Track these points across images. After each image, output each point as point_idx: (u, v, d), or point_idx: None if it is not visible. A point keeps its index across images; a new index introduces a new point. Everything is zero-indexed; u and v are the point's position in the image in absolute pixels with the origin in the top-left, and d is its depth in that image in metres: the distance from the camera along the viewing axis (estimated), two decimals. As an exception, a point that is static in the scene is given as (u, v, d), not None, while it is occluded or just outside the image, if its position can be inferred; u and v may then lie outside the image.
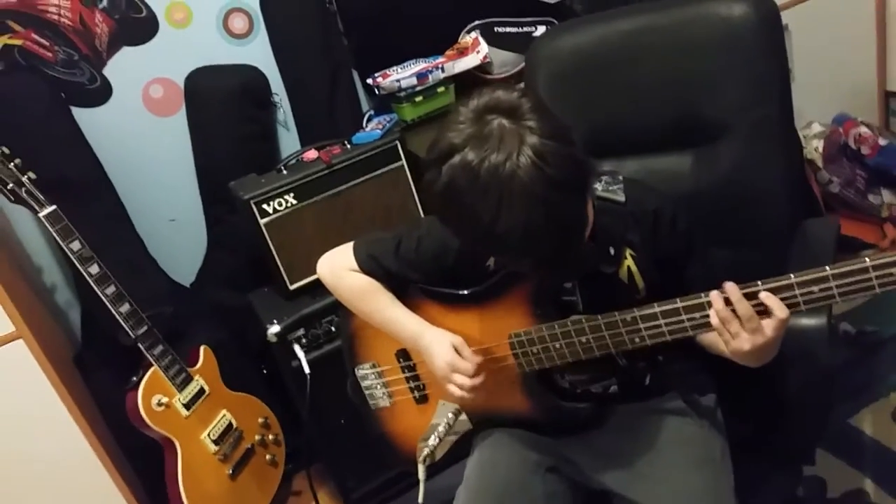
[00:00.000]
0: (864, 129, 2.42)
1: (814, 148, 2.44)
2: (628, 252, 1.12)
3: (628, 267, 1.12)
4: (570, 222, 0.93)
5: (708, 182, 1.34)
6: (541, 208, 0.87)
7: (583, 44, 1.44)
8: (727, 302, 0.95)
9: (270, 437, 2.05)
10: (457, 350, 1.16)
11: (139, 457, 2.06)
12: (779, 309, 0.93)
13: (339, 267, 1.27)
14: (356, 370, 1.39)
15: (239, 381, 2.03)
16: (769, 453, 1.27)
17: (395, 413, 1.38)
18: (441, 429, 1.26)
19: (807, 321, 1.13)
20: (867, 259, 0.88)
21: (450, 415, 1.27)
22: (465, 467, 1.27)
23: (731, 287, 0.95)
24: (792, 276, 0.93)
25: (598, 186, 1.12)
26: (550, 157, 0.88)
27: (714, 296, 0.96)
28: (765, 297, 0.93)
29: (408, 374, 1.32)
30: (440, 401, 1.29)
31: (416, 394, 1.33)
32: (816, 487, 1.69)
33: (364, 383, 1.39)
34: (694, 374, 1.25)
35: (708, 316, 0.98)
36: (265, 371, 2.16)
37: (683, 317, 1.00)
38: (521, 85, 0.94)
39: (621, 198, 1.11)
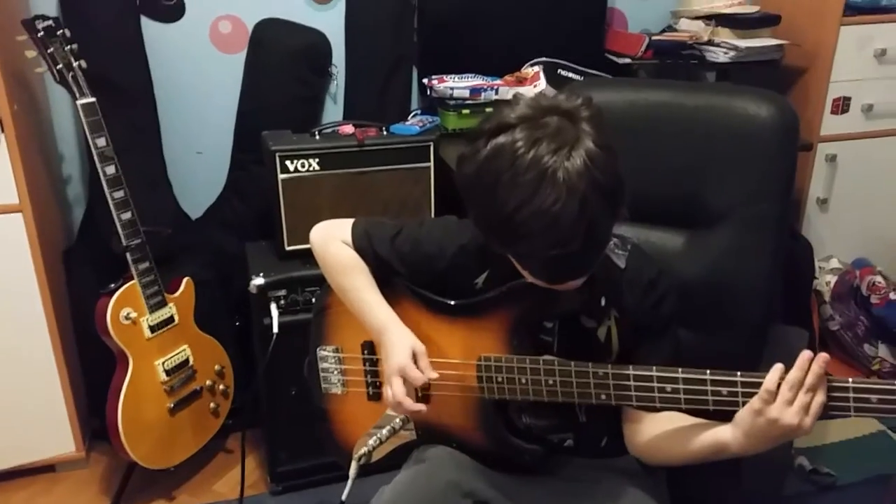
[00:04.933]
0: (879, 279, 2.43)
1: (825, 282, 2.45)
2: (613, 314, 1.13)
3: (609, 328, 1.13)
4: (597, 228, 0.94)
5: (695, 265, 1.36)
6: (577, 202, 0.89)
7: (610, 103, 1.46)
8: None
9: (221, 386, 2.05)
10: (415, 358, 1.14)
11: (92, 365, 2.08)
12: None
13: (332, 235, 1.27)
14: (318, 350, 1.38)
15: (210, 324, 2.04)
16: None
17: (344, 402, 1.37)
18: (385, 432, 1.25)
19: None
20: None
21: (398, 420, 1.26)
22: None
23: (823, 356, 0.92)
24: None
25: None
26: (600, 164, 0.91)
27: (804, 354, 0.93)
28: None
29: (368, 368, 1.31)
30: None
31: (371, 390, 1.32)
32: None
33: (322, 364, 1.38)
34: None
35: (678, 391, 0.99)
36: (238, 324, 2.17)
37: (655, 385, 1.01)
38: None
39: (622, 264, 1.13)
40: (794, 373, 0.92)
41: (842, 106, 2.33)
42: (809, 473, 2.05)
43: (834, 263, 2.49)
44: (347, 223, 1.27)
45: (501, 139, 0.93)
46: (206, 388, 2.02)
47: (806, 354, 0.93)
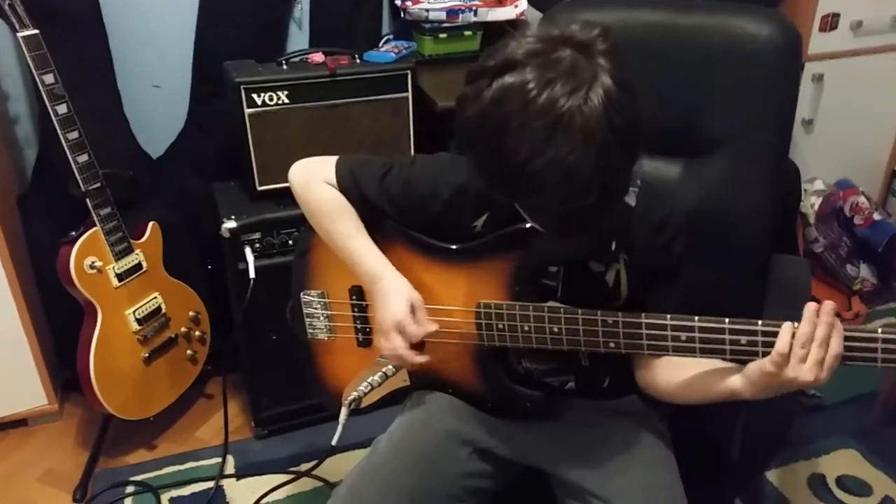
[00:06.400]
0: (862, 200, 2.41)
1: (810, 204, 2.42)
2: (622, 257, 1.06)
3: (617, 272, 1.07)
4: (614, 179, 0.85)
5: (692, 194, 1.30)
6: (594, 151, 0.80)
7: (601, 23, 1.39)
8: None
9: (197, 332, 1.98)
10: (413, 310, 1.08)
11: (58, 314, 1.99)
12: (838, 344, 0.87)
13: (314, 175, 1.17)
14: (302, 294, 1.30)
15: (180, 269, 1.95)
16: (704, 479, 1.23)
17: (332, 348, 1.30)
18: (376, 378, 1.19)
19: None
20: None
21: (390, 366, 1.20)
22: (392, 421, 1.21)
23: (830, 304, 0.87)
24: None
25: None
26: (620, 105, 0.81)
27: (810, 307, 0.86)
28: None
29: (357, 314, 1.24)
30: None
31: (360, 336, 1.25)
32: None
33: (307, 310, 1.30)
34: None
35: (693, 339, 0.93)
36: (210, 266, 2.08)
37: (668, 333, 0.95)
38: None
39: (632, 202, 1.05)
40: (804, 328, 0.86)
41: (830, 23, 2.24)
42: (797, 395, 2.06)
43: (818, 185, 2.46)
44: (330, 161, 1.17)
45: (509, 79, 0.81)
46: (182, 335, 1.94)
47: (811, 306, 0.87)
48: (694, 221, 1.27)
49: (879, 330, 0.85)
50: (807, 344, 0.86)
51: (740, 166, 1.31)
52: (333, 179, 1.15)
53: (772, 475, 1.83)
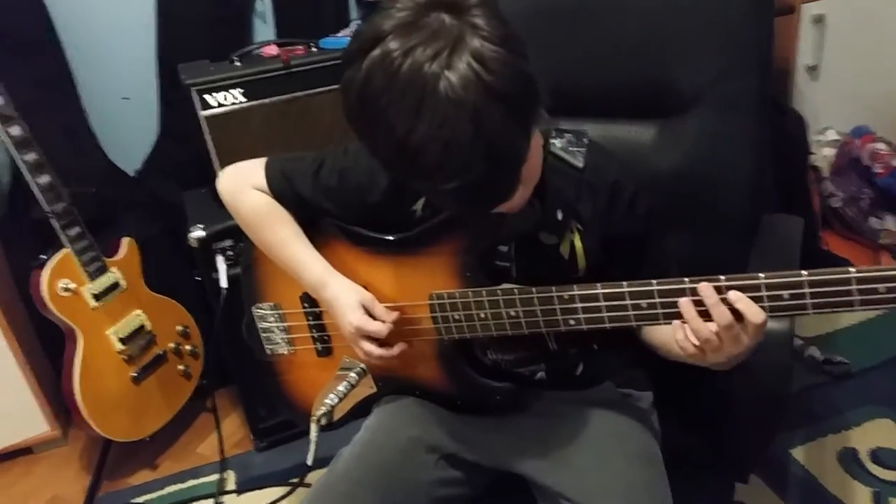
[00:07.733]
0: (881, 146, 2.25)
1: (823, 156, 2.27)
2: (575, 226, 0.97)
3: (572, 242, 0.98)
4: (501, 147, 0.75)
5: (669, 158, 1.20)
6: (468, 121, 0.71)
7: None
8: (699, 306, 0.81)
9: (188, 347, 1.92)
10: (366, 310, 1.01)
11: (53, 338, 1.93)
12: (753, 314, 0.79)
13: (243, 182, 1.09)
14: (254, 309, 1.23)
15: (167, 283, 1.90)
16: (701, 465, 1.16)
17: (292, 362, 1.24)
18: (341, 388, 1.12)
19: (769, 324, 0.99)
20: (851, 270, 0.75)
21: (353, 374, 1.13)
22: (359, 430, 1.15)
23: (705, 287, 0.80)
24: (761, 275, 0.80)
25: (557, 143, 0.97)
26: (493, 64, 0.72)
27: (684, 304, 0.81)
28: (735, 298, 0.80)
29: (312, 322, 1.17)
30: (345, 357, 1.15)
31: (319, 345, 1.18)
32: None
33: (261, 325, 1.24)
34: (631, 369, 1.13)
35: (654, 305, 0.84)
36: (198, 278, 2.02)
37: (628, 302, 0.86)
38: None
39: (579, 163, 0.96)
40: (696, 334, 0.81)
41: (827, -43, 2.09)
42: (822, 364, 1.93)
43: (831, 135, 2.30)
44: (258, 164, 1.09)
45: (375, 53, 0.74)
46: (171, 350, 1.89)
47: (684, 302, 0.81)
48: (672, 186, 1.20)
49: (853, 270, 0.75)
50: (709, 339, 0.80)
51: (718, 121, 1.21)
52: (264, 183, 1.08)
53: (798, 452, 1.70)
